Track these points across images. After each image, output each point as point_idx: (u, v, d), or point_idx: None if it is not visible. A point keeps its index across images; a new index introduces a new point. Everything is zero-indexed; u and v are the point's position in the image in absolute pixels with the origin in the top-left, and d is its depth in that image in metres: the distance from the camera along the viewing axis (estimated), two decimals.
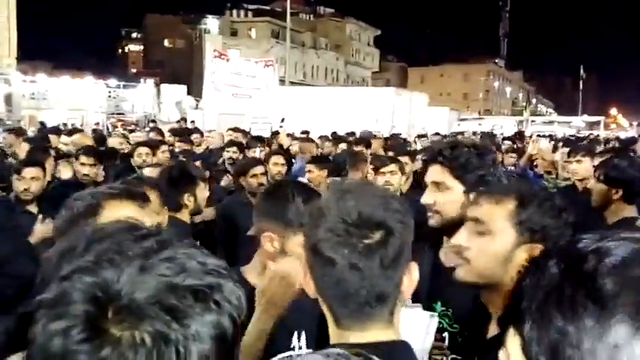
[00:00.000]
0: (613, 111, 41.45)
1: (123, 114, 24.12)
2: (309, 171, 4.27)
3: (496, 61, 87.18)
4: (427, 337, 1.39)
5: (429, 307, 1.72)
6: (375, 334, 0.90)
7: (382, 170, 3.78)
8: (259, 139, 7.07)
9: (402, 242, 0.89)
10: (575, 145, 4.33)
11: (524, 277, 0.60)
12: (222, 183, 4.89)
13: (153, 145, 5.10)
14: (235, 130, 8.57)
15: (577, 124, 33.43)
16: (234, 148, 5.80)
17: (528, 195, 1.28)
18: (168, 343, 0.53)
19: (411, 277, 0.94)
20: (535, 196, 1.28)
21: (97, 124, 19.58)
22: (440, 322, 1.73)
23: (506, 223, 1.25)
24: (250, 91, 19.45)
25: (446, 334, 1.60)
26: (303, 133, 10.29)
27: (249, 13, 58.48)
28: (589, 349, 0.50)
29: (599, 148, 5.90)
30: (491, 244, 1.26)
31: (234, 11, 57.99)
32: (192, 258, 0.60)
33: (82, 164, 4.00)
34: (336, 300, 0.90)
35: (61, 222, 1.32)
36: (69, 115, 21.20)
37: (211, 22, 52.78)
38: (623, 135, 21.97)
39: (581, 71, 64.06)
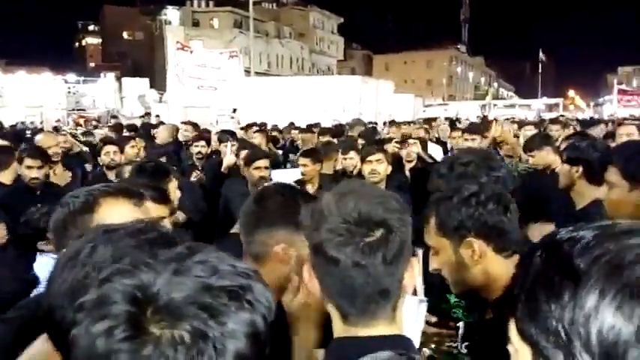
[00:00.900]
0: (571, 93, 42.72)
1: (84, 110, 23.46)
2: (304, 165, 4.22)
3: (458, 47, 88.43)
4: (416, 322, 1.43)
5: (443, 298, 1.80)
6: (380, 329, 0.93)
7: (369, 159, 3.80)
8: (230, 133, 7.04)
9: (402, 239, 0.92)
10: (530, 141, 4.32)
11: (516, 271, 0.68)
12: (192, 178, 4.85)
13: (119, 142, 4.97)
14: (186, 123, 8.48)
15: (537, 106, 34.34)
16: (203, 142, 5.75)
17: (441, 201, 1.42)
18: (206, 340, 0.55)
19: (412, 272, 0.97)
20: (444, 197, 1.43)
21: (58, 121, 18.97)
22: (454, 312, 1.82)
23: (438, 238, 1.41)
24: (215, 83, 19.18)
25: (461, 324, 1.68)
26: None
27: (211, 3, 57.40)
28: (569, 320, 0.58)
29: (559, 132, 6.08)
30: (443, 259, 1.41)
31: (195, 1, 56.84)
32: (223, 261, 0.63)
33: (29, 167, 3.76)
34: (341, 297, 0.92)
35: (56, 220, 1.31)
36: (26, 112, 20.47)
37: (172, 13, 51.61)
38: (580, 116, 22.72)
39: (541, 55, 65.64)
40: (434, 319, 1.71)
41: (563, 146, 3.26)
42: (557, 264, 0.62)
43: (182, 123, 8.63)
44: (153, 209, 1.57)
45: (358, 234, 0.90)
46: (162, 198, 1.98)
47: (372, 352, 0.85)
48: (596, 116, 21.85)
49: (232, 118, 9.64)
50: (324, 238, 0.91)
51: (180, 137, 7.04)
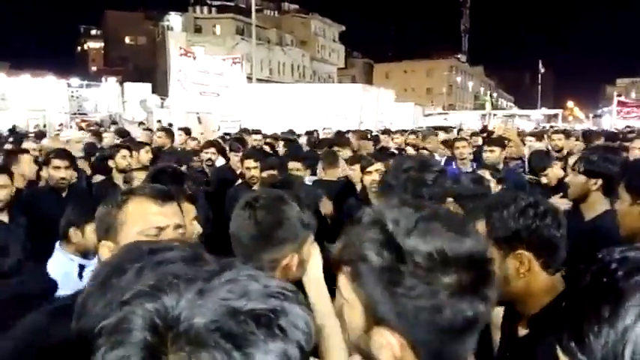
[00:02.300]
0: (570, 104, 42.99)
1: (85, 114, 23.53)
2: (298, 169, 4.31)
3: (458, 56, 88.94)
4: None
5: None
6: None
7: (369, 170, 3.78)
8: (240, 141, 7.10)
9: None
10: (540, 161, 4.44)
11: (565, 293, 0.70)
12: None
13: (132, 147, 5.08)
14: (184, 130, 8.63)
15: (536, 117, 34.56)
16: (213, 149, 5.80)
17: (493, 208, 1.37)
18: None
19: None
20: (499, 205, 1.37)
21: (61, 125, 19.09)
22: None
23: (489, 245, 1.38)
24: (218, 89, 19.33)
25: None
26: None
27: (213, 10, 57.74)
28: (610, 341, 0.59)
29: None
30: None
31: (198, 7, 57.18)
32: (255, 280, 0.56)
33: (56, 167, 3.84)
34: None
35: (100, 215, 1.45)
36: (29, 116, 20.55)
37: (174, 19, 51.90)
38: (579, 127, 22.87)
39: (540, 65, 66.04)
40: None
41: (573, 157, 3.25)
42: (603, 287, 0.62)
43: (179, 129, 8.77)
44: (184, 208, 1.63)
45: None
46: (192, 198, 2.06)
47: None
48: (595, 128, 22.02)
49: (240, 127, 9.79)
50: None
51: (154, 144, 6.88)
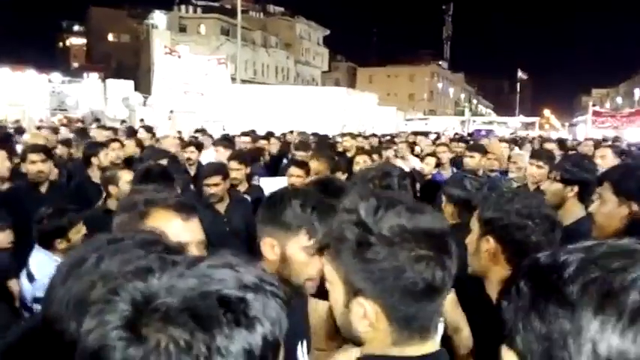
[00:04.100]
0: (546, 112, 44.01)
1: (66, 110, 23.24)
2: (297, 175, 3.99)
3: (440, 63, 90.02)
4: None
5: None
6: (427, 345, 0.96)
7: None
8: (228, 140, 7.13)
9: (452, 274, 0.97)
10: (538, 151, 4.58)
11: (501, 300, 0.70)
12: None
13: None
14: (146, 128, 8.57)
15: (514, 124, 35.29)
16: (192, 148, 5.85)
17: (484, 198, 1.67)
18: (189, 352, 0.53)
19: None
20: (497, 196, 1.65)
21: (41, 121, 18.84)
22: None
23: (474, 220, 1.64)
24: (202, 89, 19.33)
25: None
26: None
27: (198, 9, 57.51)
28: (575, 347, 0.60)
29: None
30: (469, 237, 1.64)
31: (183, 7, 56.89)
32: (234, 269, 0.60)
33: (33, 162, 3.83)
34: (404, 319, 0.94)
35: (119, 223, 1.36)
36: (8, 110, 20.27)
37: (159, 17, 51.51)
38: (554, 135, 23.47)
39: (519, 73, 67.27)
40: None
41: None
42: (547, 292, 0.63)
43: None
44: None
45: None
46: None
47: None
48: (571, 136, 22.65)
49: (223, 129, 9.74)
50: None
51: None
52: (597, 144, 8.42)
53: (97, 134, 7.45)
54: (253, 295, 0.58)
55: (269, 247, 1.40)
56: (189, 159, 5.69)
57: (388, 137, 11.91)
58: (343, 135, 9.02)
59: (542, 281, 0.65)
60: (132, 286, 0.58)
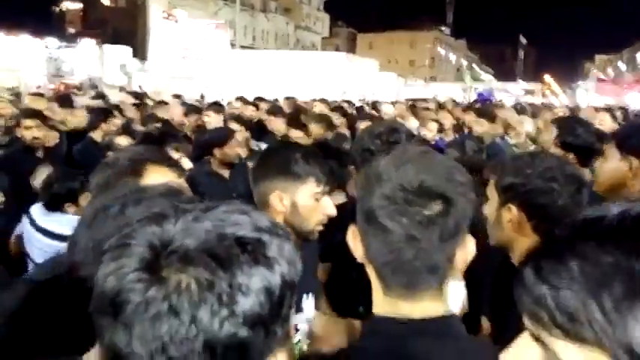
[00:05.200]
0: (547, 78, 43.50)
1: (62, 76, 22.88)
2: (297, 137, 4.12)
3: (442, 28, 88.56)
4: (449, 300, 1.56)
5: None
6: (425, 305, 0.88)
7: None
8: (218, 105, 7.06)
9: (462, 215, 0.86)
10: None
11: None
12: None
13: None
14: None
15: (515, 91, 34.98)
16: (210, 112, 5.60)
17: (509, 160, 1.51)
18: (211, 290, 0.54)
19: (466, 250, 0.90)
20: (514, 159, 1.52)
21: (39, 87, 18.61)
22: None
23: (492, 189, 1.49)
24: (201, 54, 19.07)
25: None
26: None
27: None
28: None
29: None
30: (487, 208, 1.51)
31: None
32: (247, 215, 0.61)
33: (27, 127, 3.84)
34: (387, 268, 0.88)
35: (101, 178, 1.32)
36: (3, 75, 19.96)
37: None
38: (555, 102, 23.31)
39: (521, 39, 66.29)
40: None
41: (554, 131, 3.36)
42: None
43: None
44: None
45: (416, 204, 0.84)
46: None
47: (419, 336, 0.85)
48: (571, 103, 22.50)
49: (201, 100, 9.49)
50: (378, 204, 0.86)
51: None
52: (599, 110, 8.36)
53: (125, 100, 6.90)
54: (269, 236, 0.60)
55: (277, 199, 1.48)
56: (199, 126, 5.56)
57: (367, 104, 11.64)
58: (314, 101, 8.91)
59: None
60: (148, 231, 0.59)
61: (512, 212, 1.41)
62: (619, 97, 21.90)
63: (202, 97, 10.83)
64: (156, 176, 1.29)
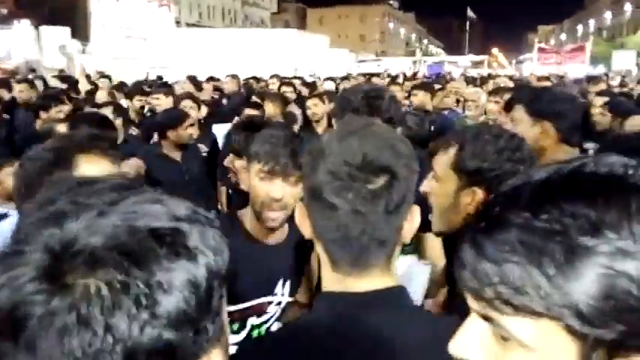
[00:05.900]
0: (495, 51, 44.70)
1: None
2: (314, 104, 4.49)
3: (390, 2, 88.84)
4: (412, 282, 1.47)
5: None
6: (373, 280, 0.88)
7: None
8: (167, 86, 6.94)
9: (406, 187, 0.86)
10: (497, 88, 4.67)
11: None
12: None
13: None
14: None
15: (464, 63, 35.69)
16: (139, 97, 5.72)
17: (469, 140, 1.35)
18: (127, 293, 0.48)
19: (412, 221, 0.90)
20: (475, 139, 1.35)
21: None
22: None
23: (449, 170, 1.36)
24: (145, 34, 18.43)
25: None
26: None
27: None
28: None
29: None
30: (439, 189, 1.38)
31: None
32: (162, 203, 0.54)
33: None
34: (335, 244, 0.87)
35: (25, 173, 1.18)
36: None
37: None
38: (502, 73, 24.01)
39: (469, 12, 67.36)
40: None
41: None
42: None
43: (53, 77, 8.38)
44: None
45: (360, 179, 0.83)
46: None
47: (365, 308, 0.85)
48: (517, 74, 23.20)
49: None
50: (323, 180, 0.84)
51: (18, 97, 5.96)
52: (540, 79, 8.68)
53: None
54: (188, 225, 0.53)
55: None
56: (142, 107, 5.59)
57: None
58: (271, 77, 9.00)
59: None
60: (44, 233, 0.50)
61: (477, 195, 1.32)
62: (560, 66, 22.72)
63: (147, 79, 10.49)
64: (88, 166, 1.16)
